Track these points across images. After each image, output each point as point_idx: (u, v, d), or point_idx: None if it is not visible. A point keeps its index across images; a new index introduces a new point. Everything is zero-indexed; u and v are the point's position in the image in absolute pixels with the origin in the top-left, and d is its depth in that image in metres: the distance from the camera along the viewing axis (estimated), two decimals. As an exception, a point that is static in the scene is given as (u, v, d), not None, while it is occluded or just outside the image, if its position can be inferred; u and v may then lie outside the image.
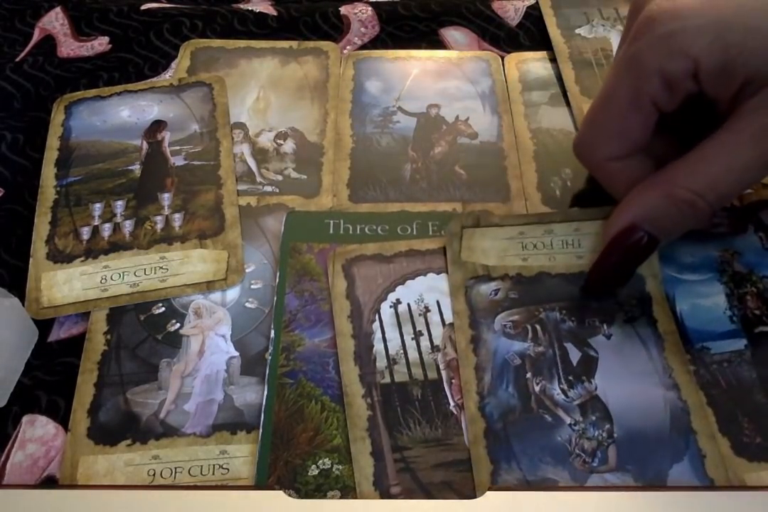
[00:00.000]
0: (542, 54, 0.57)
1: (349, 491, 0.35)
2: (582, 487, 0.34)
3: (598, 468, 0.35)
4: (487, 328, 0.40)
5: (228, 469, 0.36)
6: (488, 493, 0.34)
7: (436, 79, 0.54)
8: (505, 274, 0.42)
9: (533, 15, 0.60)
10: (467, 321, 0.40)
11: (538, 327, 0.40)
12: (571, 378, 0.38)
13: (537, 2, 0.60)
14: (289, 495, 0.34)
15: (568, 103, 0.52)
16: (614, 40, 0.57)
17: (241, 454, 0.36)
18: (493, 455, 0.36)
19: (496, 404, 0.37)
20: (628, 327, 0.40)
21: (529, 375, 0.38)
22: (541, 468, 0.35)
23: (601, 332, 0.40)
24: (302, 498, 0.34)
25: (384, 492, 0.35)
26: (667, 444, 0.36)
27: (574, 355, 0.39)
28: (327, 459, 0.36)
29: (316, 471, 0.35)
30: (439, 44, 0.58)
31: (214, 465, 0.36)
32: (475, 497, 0.34)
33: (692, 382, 0.38)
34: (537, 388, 0.38)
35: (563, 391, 0.38)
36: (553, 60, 0.56)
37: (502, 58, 0.56)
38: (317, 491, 0.35)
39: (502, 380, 0.38)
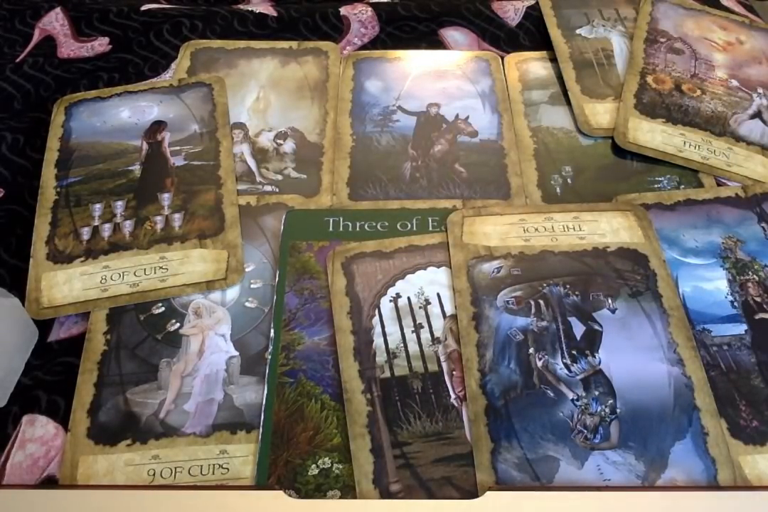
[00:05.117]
0: (542, 54, 0.57)
1: (349, 490, 0.35)
2: (582, 487, 0.34)
3: (599, 445, 0.35)
4: (489, 305, 0.40)
5: (228, 469, 0.36)
6: (488, 493, 0.33)
7: (436, 78, 0.54)
8: (508, 253, 0.42)
9: (532, 15, 0.60)
10: (469, 298, 0.40)
11: (541, 302, 0.40)
12: (574, 352, 0.38)
13: (537, 3, 0.61)
14: (289, 495, 0.34)
15: (568, 102, 0.52)
16: (615, 40, 0.57)
17: (241, 454, 0.36)
18: (493, 433, 0.35)
19: (497, 381, 0.37)
20: (633, 302, 0.40)
21: (531, 350, 0.38)
22: (542, 445, 0.35)
23: (606, 306, 0.40)
24: (302, 497, 0.34)
25: (384, 490, 0.34)
26: (670, 421, 0.36)
27: (578, 330, 0.39)
28: (327, 458, 0.36)
29: (316, 471, 0.35)
30: (438, 44, 0.58)
31: (214, 465, 0.36)
32: (475, 494, 0.34)
33: (697, 358, 0.38)
34: (539, 363, 0.38)
35: (566, 366, 0.37)
36: (552, 60, 0.56)
37: (502, 57, 0.56)
38: (317, 491, 0.35)
39: (503, 356, 0.38)
